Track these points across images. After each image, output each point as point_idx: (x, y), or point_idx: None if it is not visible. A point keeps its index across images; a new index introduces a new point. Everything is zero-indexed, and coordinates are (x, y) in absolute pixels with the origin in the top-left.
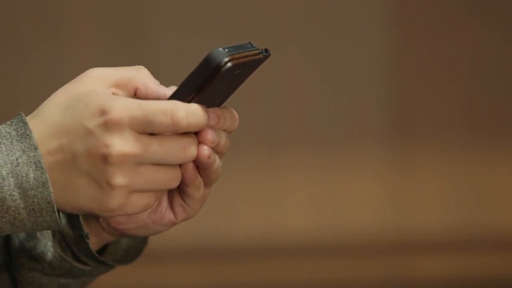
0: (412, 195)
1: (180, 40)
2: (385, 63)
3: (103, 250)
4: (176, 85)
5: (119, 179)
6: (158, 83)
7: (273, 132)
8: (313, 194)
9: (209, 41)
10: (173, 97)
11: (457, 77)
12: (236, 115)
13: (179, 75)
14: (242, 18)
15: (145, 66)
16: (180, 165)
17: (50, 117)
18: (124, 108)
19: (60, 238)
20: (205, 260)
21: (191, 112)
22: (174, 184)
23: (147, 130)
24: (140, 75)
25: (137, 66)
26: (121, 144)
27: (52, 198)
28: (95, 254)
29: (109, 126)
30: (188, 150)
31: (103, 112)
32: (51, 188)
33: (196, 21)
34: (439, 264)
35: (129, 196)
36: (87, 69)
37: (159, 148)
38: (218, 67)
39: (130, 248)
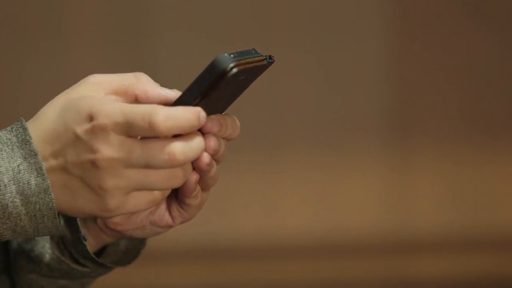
0: (411, 195)
1: (179, 39)
2: (385, 63)
3: (101, 251)
4: (176, 87)
5: (109, 182)
6: (159, 85)
7: (272, 132)
8: (312, 194)
9: (209, 41)
10: (178, 102)
11: (456, 77)
12: (238, 123)
13: (179, 75)
14: (242, 18)
15: (145, 66)
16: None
17: (46, 122)
18: (109, 113)
19: (58, 240)
20: (204, 260)
21: (170, 116)
22: (175, 182)
23: (131, 133)
24: (139, 82)
25: (136, 73)
26: (107, 149)
27: (54, 205)
28: (93, 255)
29: (96, 131)
30: (172, 155)
31: (91, 118)
32: (52, 195)
33: (196, 20)
34: (438, 264)
35: (127, 196)
36: (87, 69)
37: (142, 153)
38: (225, 72)
39: (128, 249)
